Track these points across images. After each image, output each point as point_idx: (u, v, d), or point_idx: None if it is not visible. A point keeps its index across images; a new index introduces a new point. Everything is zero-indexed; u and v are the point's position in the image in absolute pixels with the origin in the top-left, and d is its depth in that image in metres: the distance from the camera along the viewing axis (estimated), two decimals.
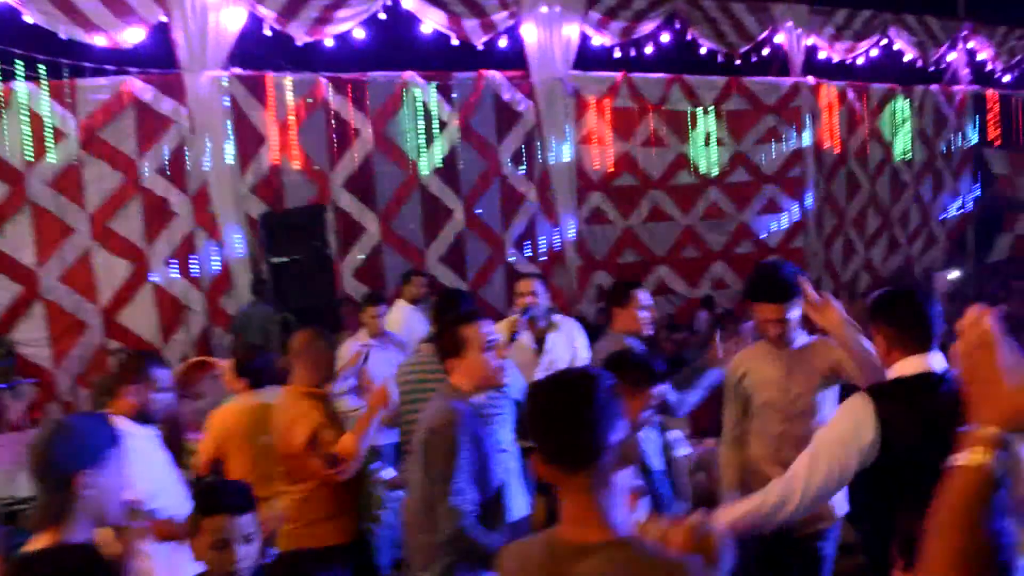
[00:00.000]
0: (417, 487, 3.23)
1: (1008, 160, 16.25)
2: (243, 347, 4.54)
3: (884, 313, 2.83)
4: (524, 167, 10.94)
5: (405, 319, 7.04)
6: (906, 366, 2.72)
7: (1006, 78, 15.58)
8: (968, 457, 1.35)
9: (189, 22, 8.68)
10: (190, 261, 9.09)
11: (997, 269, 15.28)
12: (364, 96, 9.86)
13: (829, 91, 13.42)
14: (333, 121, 9.68)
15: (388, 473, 5.28)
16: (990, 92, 15.65)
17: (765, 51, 12.52)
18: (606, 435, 1.77)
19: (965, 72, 15.35)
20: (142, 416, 3.40)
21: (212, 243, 9.11)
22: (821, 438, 2.77)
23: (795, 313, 3.64)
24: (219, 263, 9.13)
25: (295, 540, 3.88)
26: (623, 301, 4.31)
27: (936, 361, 2.72)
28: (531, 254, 11.07)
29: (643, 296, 4.36)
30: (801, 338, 3.78)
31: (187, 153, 8.99)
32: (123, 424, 3.23)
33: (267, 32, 9.29)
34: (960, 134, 15.46)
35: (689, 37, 11.88)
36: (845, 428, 2.71)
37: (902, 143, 14.51)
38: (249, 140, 9.22)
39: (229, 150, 9.04)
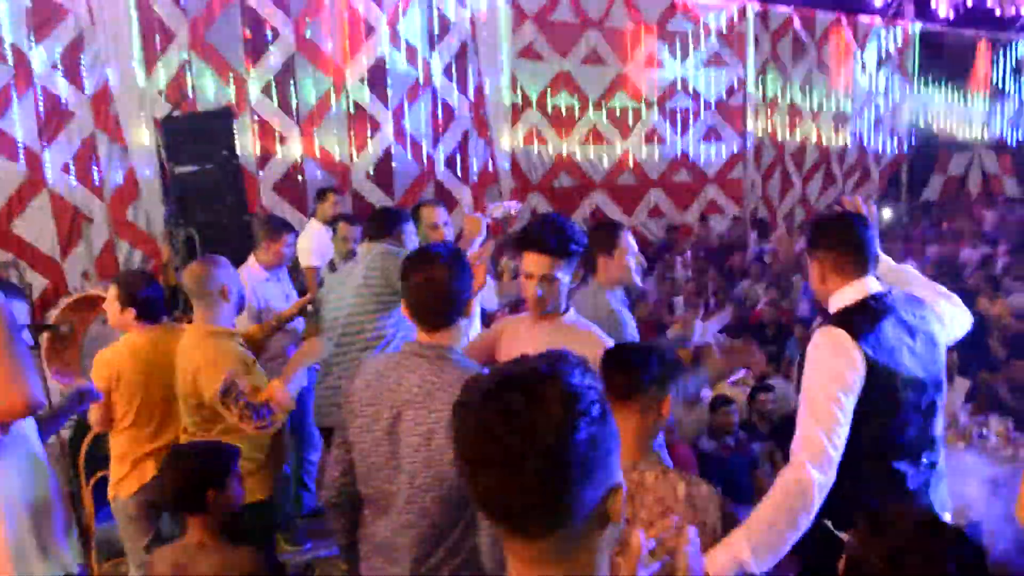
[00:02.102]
0: None
1: (945, 99, 16.21)
2: (125, 273, 3.83)
3: (822, 239, 2.74)
4: (457, 80, 10.34)
5: (316, 241, 6.55)
6: (848, 293, 2.66)
7: (950, 15, 15.36)
8: None
9: None
10: (91, 167, 8.35)
11: (929, 209, 15.34)
12: None
13: (775, 17, 13.04)
14: (250, 19, 8.90)
15: None
16: (934, 28, 15.47)
17: None
18: (585, 487, 1.07)
19: (910, 6, 15.11)
20: None
21: (116, 148, 8.39)
22: (812, 386, 2.49)
23: (565, 277, 2.99)
24: (123, 171, 8.43)
25: None
26: (609, 247, 3.49)
27: (873, 285, 2.66)
28: (462, 173, 10.57)
29: (630, 240, 3.55)
30: (571, 316, 3.07)
31: (85, 47, 8.17)
32: None
33: None
34: (901, 70, 15.30)
35: None
36: (837, 363, 2.47)
37: (845, 76, 14.28)
38: (156, 36, 8.42)
39: (134, 45, 8.25)
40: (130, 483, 3.71)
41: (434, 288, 2.31)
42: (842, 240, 2.68)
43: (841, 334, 2.52)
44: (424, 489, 2.30)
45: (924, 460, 2.66)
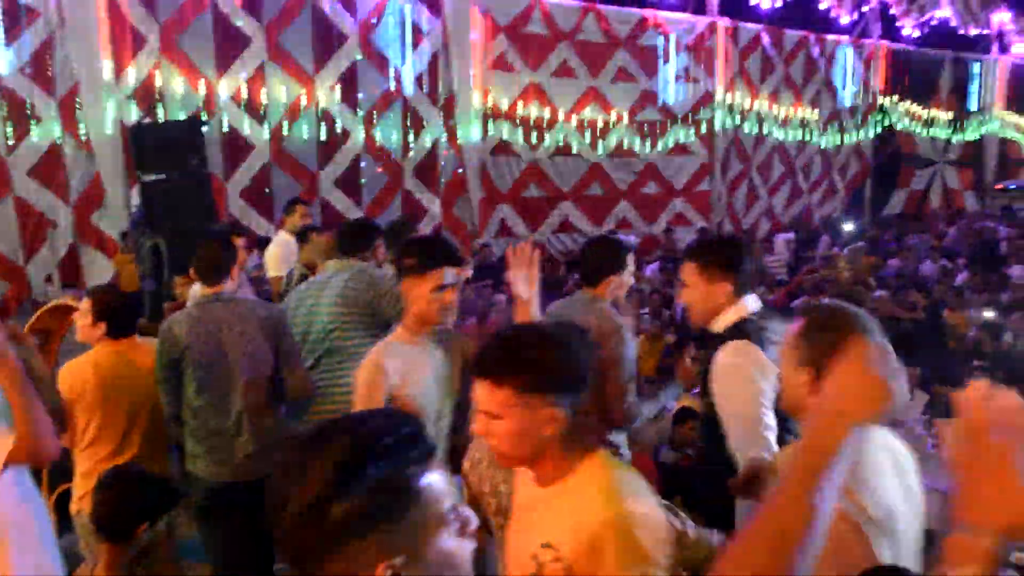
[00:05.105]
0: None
1: (909, 116, 16.52)
2: (99, 288, 3.84)
3: (733, 262, 2.84)
4: (428, 90, 10.38)
5: (284, 252, 6.55)
6: (744, 306, 2.80)
7: (915, 34, 15.68)
8: (963, 573, 1.06)
9: None
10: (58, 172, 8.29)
11: (891, 223, 15.62)
12: (258, 1, 9.09)
13: (744, 33, 13.23)
14: (221, 26, 8.89)
15: None
16: (899, 47, 15.77)
17: None
18: (332, 553, 1.06)
19: (876, 25, 15.39)
20: None
21: (82, 153, 8.33)
22: (735, 401, 2.60)
23: None
24: (89, 177, 8.37)
25: None
26: (620, 266, 3.44)
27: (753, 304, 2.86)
28: (431, 183, 10.62)
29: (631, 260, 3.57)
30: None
31: (55, 51, 8.12)
32: None
33: None
34: (866, 87, 15.58)
35: None
36: (750, 375, 2.60)
37: (811, 92, 14.52)
38: (126, 41, 8.38)
39: (103, 49, 8.21)
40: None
41: None
42: (747, 264, 2.83)
43: (746, 346, 2.65)
44: None
45: None
